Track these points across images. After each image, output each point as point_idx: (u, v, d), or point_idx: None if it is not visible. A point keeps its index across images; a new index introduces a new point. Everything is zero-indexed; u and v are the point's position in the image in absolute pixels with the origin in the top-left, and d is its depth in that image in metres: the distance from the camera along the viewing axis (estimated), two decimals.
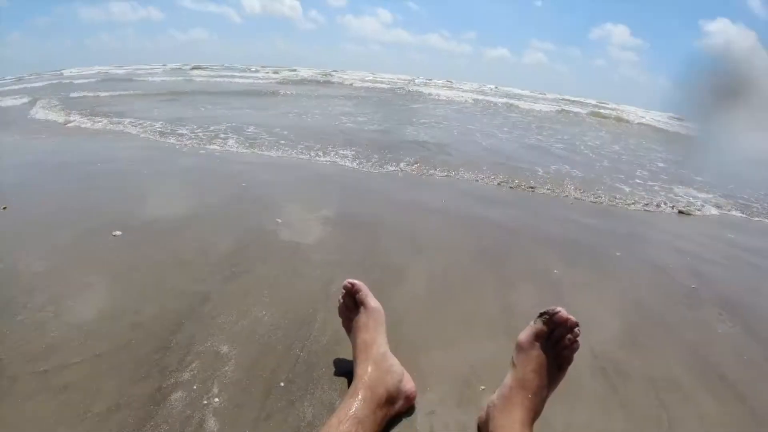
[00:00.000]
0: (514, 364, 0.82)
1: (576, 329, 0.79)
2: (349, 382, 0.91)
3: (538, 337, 0.81)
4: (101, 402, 0.85)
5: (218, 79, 10.93)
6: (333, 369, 0.97)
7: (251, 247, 1.51)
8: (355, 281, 0.95)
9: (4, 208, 1.75)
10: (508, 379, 0.81)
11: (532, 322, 0.83)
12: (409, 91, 11.19)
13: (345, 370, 0.96)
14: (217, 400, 0.86)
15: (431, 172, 2.83)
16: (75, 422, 0.81)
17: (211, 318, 1.10)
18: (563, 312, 0.80)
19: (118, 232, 1.53)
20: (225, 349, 1.00)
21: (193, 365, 0.95)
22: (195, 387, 0.89)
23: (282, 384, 0.91)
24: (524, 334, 0.83)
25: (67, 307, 1.14)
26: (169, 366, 0.94)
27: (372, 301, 0.93)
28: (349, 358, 0.97)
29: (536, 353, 0.80)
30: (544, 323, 0.81)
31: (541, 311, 0.82)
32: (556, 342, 0.80)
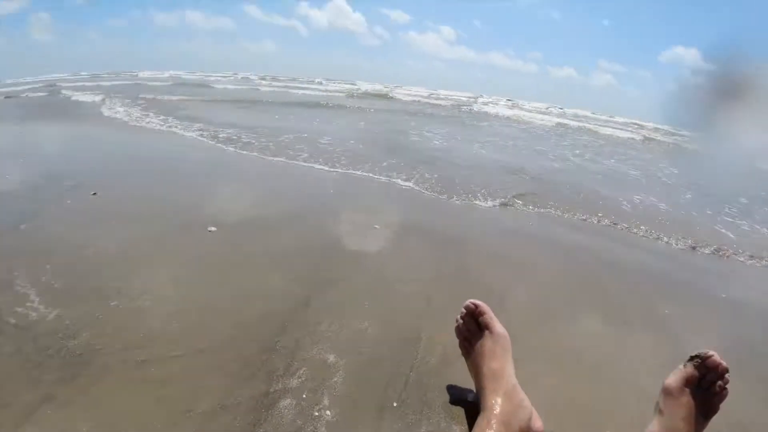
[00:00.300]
0: (660, 411, 0.76)
1: (726, 376, 0.74)
2: (467, 411, 0.84)
3: (688, 382, 0.75)
4: (205, 401, 0.82)
5: (286, 90, 11.25)
6: (446, 394, 0.90)
7: (344, 255, 1.48)
8: (479, 302, 0.89)
9: (94, 194, 1.82)
10: (655, 426, 0.75)
11: (681, 366, 0.77)
12: (472, 110, 11.08)
13: (459, 398, 0.89)
14: (328, 413, 0.82)
15: (509, 196, 2.73)
16: (176, 419, 0.78)
17: (314, 324, 1.07)
18: (716, 356, 0.75)
19: (212, 228, 1.54)
20: (332, 358, 0.96)
21: (301, 372, 0.91)
22: (304, 396, 0.85)
23: (395, 404, 0.86)
24: (673, 379, 0.77)
25: (166, 297, 1.13)
26: (276, 370, 0.91)
27: (498, 326, 0.87)
28: (461, 383, 0.91)
29: (686, 399, 0.75)
30: (696, 367, 0.76)
31: (692, 354, 0.77)
32: (707, 388, 0.75)
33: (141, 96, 6.52)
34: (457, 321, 0.92)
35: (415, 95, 13.70)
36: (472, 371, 0.87)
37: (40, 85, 8.30)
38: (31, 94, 6.55)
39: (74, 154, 2.82)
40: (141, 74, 13.58)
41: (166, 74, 14.59)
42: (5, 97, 5.98)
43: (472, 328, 0.89)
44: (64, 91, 6.93)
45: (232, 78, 15.20)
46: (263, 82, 14.32)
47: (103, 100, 5.73)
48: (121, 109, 4.94)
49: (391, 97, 12.30)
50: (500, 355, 0.85)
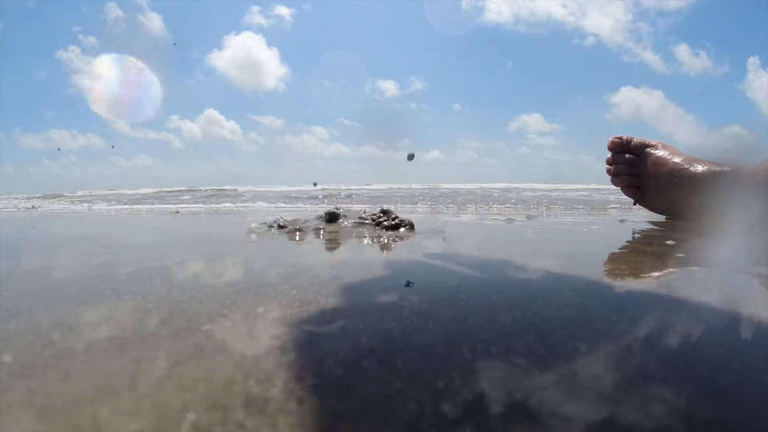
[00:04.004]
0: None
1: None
2: None
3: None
4: None
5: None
6: None
7: None
8: (620, 136, 0.90)
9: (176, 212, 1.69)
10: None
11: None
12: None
13: None
14: None
15: None
16: None
17: None
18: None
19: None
20: None
21: None
22: None
23: None
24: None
25: None
26: None
27: (651, 140, 0.85)
28: None
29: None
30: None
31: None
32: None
33: None
34: (609, 170, 0.84)
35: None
36: (662, 196, 0.78)
37: None
38: None
39: None
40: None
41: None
42: None
43: (631, 161, 0.81)
44: None
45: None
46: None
47: None
48: None
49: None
50: (677, 151, 0.77)
